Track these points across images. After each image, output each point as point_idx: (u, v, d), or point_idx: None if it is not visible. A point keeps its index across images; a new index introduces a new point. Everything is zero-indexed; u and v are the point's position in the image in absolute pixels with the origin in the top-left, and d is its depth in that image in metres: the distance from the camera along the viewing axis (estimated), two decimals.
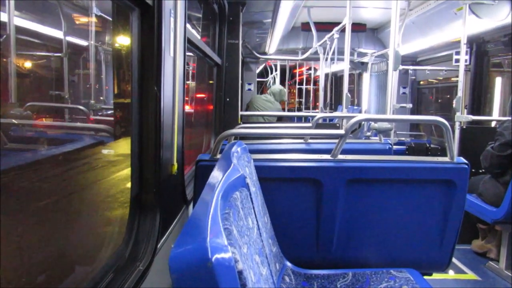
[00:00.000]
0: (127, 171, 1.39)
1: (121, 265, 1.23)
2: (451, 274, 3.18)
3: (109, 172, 1.73)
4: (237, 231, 0.99)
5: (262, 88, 14.31)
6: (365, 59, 7.71)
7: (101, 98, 1.99)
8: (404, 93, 7.48)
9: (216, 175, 1.21)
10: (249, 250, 1.05)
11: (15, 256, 1.03)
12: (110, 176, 1.74)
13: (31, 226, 1.15)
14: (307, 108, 11.34)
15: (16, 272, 1.02)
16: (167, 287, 1.44)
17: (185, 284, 0.71)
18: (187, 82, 1.82)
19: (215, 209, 0.89)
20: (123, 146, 1.57)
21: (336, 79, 11.10)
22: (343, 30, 4.09)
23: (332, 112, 8.17)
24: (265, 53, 7.78)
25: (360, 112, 7.87)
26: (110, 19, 1.76)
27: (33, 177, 1.23)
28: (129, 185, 1.37)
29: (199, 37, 2.54)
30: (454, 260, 3.31)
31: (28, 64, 1.47)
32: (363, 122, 4.59)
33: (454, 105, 3.67)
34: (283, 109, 7.58)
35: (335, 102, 11.32)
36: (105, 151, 1.72)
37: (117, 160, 1.75)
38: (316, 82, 11.02)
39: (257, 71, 10.35)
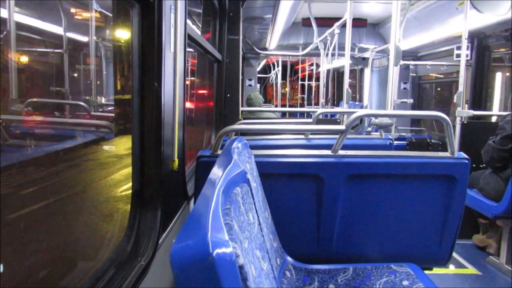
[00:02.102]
0: (128, 169, 1.39)
1: (123, 260, 1.23)
2: (451, 268, 3.19)
3: (109, 170, 1.73)
4: (238, 226, 0.99)
5: (265, 83, 14.28)
6: (366, 55, 7.69)
7: (103, 94, 1.99)
8: (405, 88, 7.47)
9: (217, 171, 1.21)
10: (250, 245, 1.06)
11: (17, 249, 1.03)
12: (111, 174, 1.74)
13: (33, 221, 1.16)
14: (310, 104, 11.32)
15: (17, 266, 1.02)
16: (168, 282, 1.45)
17: (187, 279, 0.72)
18: (187, 78, 1.83)
19: (216, 204, 0.89)
20: (124, 143, 1.58)
21: (338, 75, 11.06)
22: (343, 25, 4.08)
23: (334, 108, 8.16)
24: (265, 49, 7.76)
25: (361, 107, 7.87)
26: (111, 15, 1.76)
27: (33, 174, 1.23)
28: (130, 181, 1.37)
29: (199, 33, 2.54)
30: (454, 254, 3.32)
31: (28, 61, 1.47)
32: (364, 118, 4.59)
33: (455, 100, 3.66)
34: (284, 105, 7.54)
35: (337, 98, 11.30)
36: (106, 147, 1.72)
37: (118, 157, 1.75)
38: (319, 78, 11.02)
39: (259, 67, 10.33)
